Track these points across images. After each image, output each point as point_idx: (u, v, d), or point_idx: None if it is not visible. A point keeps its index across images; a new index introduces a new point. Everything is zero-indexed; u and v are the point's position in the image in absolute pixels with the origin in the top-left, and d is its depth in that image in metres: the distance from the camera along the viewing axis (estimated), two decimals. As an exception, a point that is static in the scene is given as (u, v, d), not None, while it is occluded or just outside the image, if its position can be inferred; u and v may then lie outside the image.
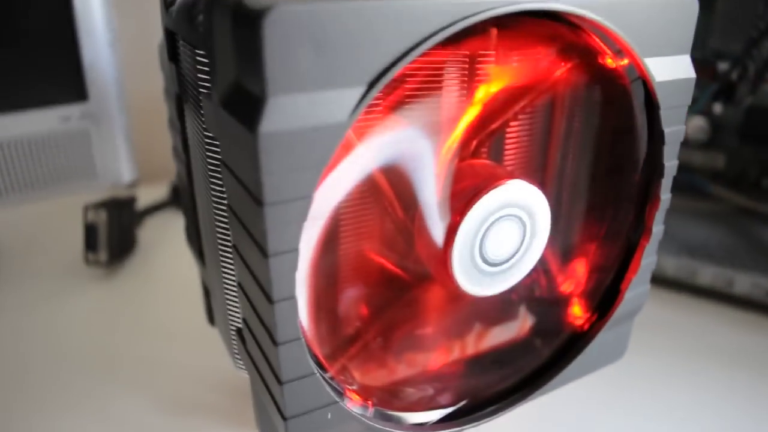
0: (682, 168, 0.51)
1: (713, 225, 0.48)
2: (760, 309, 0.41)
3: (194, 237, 0.29)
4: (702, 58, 0.48)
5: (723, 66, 0.47)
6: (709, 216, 0.50)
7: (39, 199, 0.42)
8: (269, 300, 0.17)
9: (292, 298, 0.18)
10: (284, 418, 0.19)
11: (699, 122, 0.51)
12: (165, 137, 0.39)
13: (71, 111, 0.41)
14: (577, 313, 0.28)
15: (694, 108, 0.47)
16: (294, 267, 0.17)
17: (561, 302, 0.27)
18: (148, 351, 0.36)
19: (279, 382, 0.19)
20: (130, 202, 0.47)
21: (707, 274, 0.42)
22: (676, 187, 0.52)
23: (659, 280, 0.44)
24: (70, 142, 0.42)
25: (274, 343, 0.18)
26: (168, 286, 0.43)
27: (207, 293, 0.30)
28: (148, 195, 0.54)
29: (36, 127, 0.40)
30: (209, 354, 0.35)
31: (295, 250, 0.17)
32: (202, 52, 0.20)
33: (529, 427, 0.31)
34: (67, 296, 0.42)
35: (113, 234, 0.43)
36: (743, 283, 0.41)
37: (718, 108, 0.50)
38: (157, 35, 0.29)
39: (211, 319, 0.30)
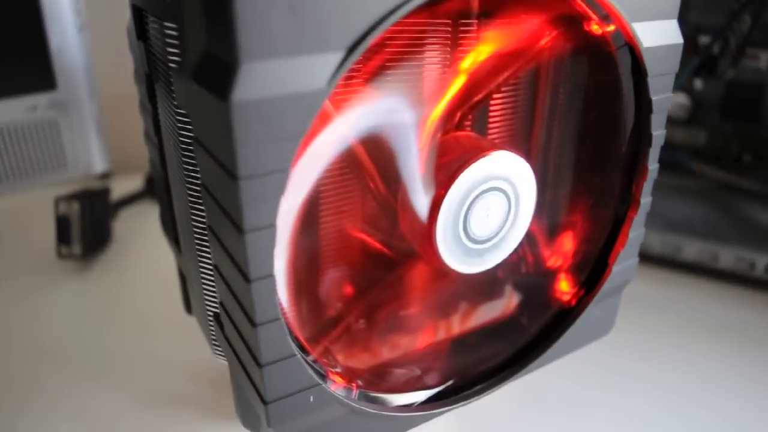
0: (664, 145, 0.51)
1: (696, 201, 0.48)
2: (744, 282, 0.41)
3: (169, 224, 0.28)
4: (682, 32, 0.48)
5: (704, 40, 0.46)
6: (692, 192, 0.50)
7: (7, 192, 0.41)
8: (246, 279, 0.16)
9: (270, 277, 0.17)
10: (264, 403, 0.18)
11: (680, 99, 0.51)
12: (138, 128, 0.38)
13: (38, 100, 0.39)
14: (565, 288, 0.27)
15: (677, 83, 0.46)
16: (271, 244, 0.16)
17: (548, 278, 0.27)
18: (125, 344, 0.35)
19: (258, 365, 0.18)
20: (103, 193, 0.46)
21: (692, 249, 0.42)
22: (659, 164, 0.52)
23: (645, 257, 0.44)
24: (39, 132, 0.40)
25: (253, 324, 0.17)
26: (144, 279, 0.42)
27: (183, 281, 0.29)
28: (122, 187, 0.52)
29: (1, 118, 0.39)
30: (187, 345, 0.34)
31: (272, 226, 0.16)
32: (171, 25, 0.19)
33: (515, 405, 0.30)
34: (40, 291, 0.41)
35: (86, 226, 0.42)
36: (727, 257, 0.41)
37: (699, 84, 0.50)
38: (126, 21, 0.27)
39: (188, 307, 0.29)
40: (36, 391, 0.32)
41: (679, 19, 0.47)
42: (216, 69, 0.15)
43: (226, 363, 0.24)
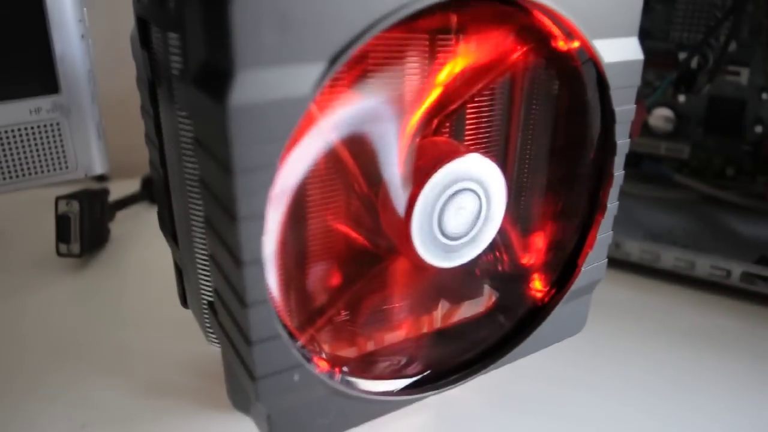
0: (648, 157, 0.53)
1: (678, 212, 0.50)
2: (720, 290, 0.43)
3: (167, 221, 0.30)
4: (664, 48, 0.50)
5: (684, 56, 0.48)
6: (674, 204, 0.52)
7: (9, 190, 0.42)
8: (238, 263, 0.18)
9: (259, 262, 0.19)
10: (253, 379, 0.20)
11: (664, 113, 0.53)
12: (135, 133, 0.40)
13: (42, 103, 0.41)
14: (538, 286, 0.29)
15: (655, 96, 0.48)
16: (261, 232, 0.18)
17: (522, 276, 0.29)
18: (122, 339, 0.37)
19: (248, 343, 0.20)
20: (102, 194, 0.48)
21: (669, 257, 0.44)
22: (643, 176, 0.54)
23: (624, 264, 0.46)
24: (41, 134, 0.42)
25: (244, 304, 0.19)
26: (140, 277, 0.44)
27: (180, 274, 0.30)
28: (119, 190, 0.54)
29: (5, 119, 0.41)
30: (182, 340, 0.36)
31: (261, 216, 0.18)
32: (173, 35, 0.21)
33: (495, 403, 0.32)
34: (39, 287, 0.42)
35: (85, 225, 0.44)
36: (704, 265, 0.43)
37: (682, 99, 0.52)
38: (128, 29, 0.29)
39: (184, 300, 0.31)
40: (36, 382, 0.33)
41: (661, 35, 0.49)
42: (214, 76, 0.17)
43: (218, 354, 0.26)
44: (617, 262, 0.46)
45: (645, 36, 0.51)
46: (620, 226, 0.47)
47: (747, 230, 0.47)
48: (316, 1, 0.17)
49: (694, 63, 0.48)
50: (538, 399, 0.32)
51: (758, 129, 0.49)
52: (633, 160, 0.55)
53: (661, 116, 0.53)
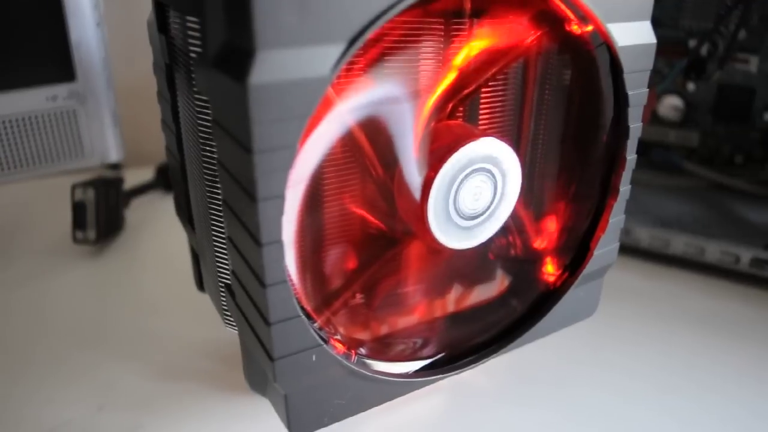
0: (658, 145, 0.53)
1: (687, 199, 0.50)
2: (729, 275, 0.43)
3: (184, 205, 0.30)
4: (675, 36, 0.50)
5: (694, 44, 0.48)
6: (684, 191, 0.52)
7: (27, 178, 0.43)
8: (258, 243, 0.19)
9: (279, 242, 0.19)
10: (271, 359, 0.21)
11: (673, 101, 0.53)
12: (149, 122, 0.40)
13: (58, 90, 0.42)
14: (550, 270, 0.29)
15: (665, 83, 0.48)
16: (280, 212, 0.18)
17: (535, 260, 0.29)
18: (137, 323, 0.37)
19: (267, 323, 0.20)
20: (117, 182, 0.48)
21: (679, 243, 0.44)
22: (653, 164, 0.53)
23: (634, 251, 0.46)
24: (58, 121, 0.42)
25: (263, 285, 0.19)
26: (154, 263, 0.44)
27: (196, 259, 0.31)
28: (133, 178, 0.55)
29: (23, 107, 0.41)
30: (197, 324, 0.36)
31: (281, 197, 0.18)
32: (193, 18, 0.21)
33: (507, 386, 0.32)
34: (56, 273, 0.43)
35: (101, 212, 0.44)
36: (713, 251, 0.43)
37: (691, 87, 0.52)
38: (142, 17, 0.30)
39: (200, 284, 0.32)
40: (55, 365, 0.34)
41: (671, 23, 0.49)
42: (235, 56, 0.17)
43: (234, 337, 0.26)
44: (627, 249, 0.46)
45: (655, 24, 0.51)
46: (630, 213, 0.46)
47: (756, 217, 0.47)
48: (335, -18, 0.17)
49: (704, 51, 0.48)
50: (549, 381, 0.33)
51: (767, 116, 0.49)
52: (642, 148, 0.55)
53: (670, 105, 0.53)
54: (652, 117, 0.53)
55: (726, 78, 0.50)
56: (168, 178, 0.53)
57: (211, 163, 0.23)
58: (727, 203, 0.50)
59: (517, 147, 0.26)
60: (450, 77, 0.23)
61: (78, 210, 0.44)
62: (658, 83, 0.49)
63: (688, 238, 0.44)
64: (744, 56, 0.49)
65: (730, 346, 0.36)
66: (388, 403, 0.30)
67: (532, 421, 0.30)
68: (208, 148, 0.23)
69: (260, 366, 0.23)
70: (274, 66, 0.17)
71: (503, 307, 0.29)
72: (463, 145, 0.22)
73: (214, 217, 0.25)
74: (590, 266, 0.29)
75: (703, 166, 0.52)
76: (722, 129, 0.51)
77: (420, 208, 0.23)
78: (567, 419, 0.30)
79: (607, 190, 0.28)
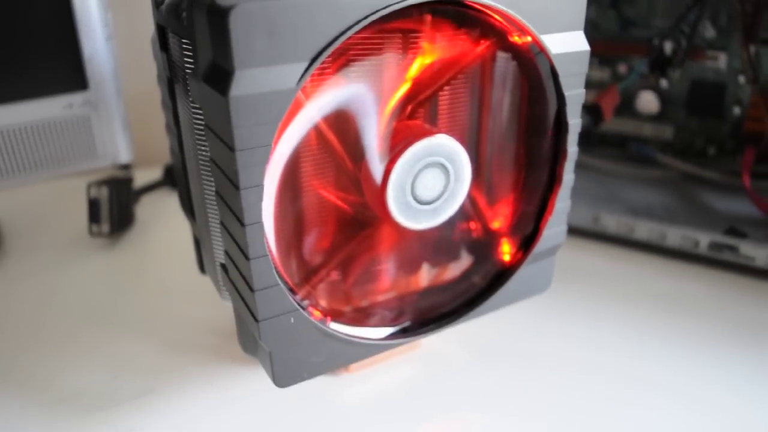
0: (634, 138, 0.56)
1: (659, 190, 0.54)
2: (689, 258, 0.47)
3: (186, 198, 0.34)
4: (647, 35, 0.53)
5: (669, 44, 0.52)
6: (657, 182, 0.55)
7: (46, 178, 0.48)
8: (242, 224, 0.23)
9: (259, 223, 0.23)
10: (257, 320, 0.25)
11: (648, 96, 0.56)
12: (156, 126, 0.44)
13: (74, 99, 0.46)
14: (506, 249, 0.33)
15: (626, 82, 0.52)
16: (260, 198, 0.23)
17: (492, 240, 0.33)
18: (147, 305, 0.42)
19: (252, 290, 0.24)
20: (128, 181, 0.53)
21: (643, 229, 0.48)
22: (629, 157, 0.57)
23: (602, 236, 0.50)
24: (73, 126, 0.47)
25: (247, 258, 0.23)
26: (162, 253, 0.49)
27: (197, 245, 0.35)
28: (143, 177, 0.59)
29: (43, 114, 0.46)
30: (198, 305, 0.41)
31: (260, 186, 0.23)
32: (186, 41, 0.26)
33: (480, 357, 0.36)
34: (74, 263, 0.47)
35: (114, 208, 0.49)
36: (674, 236, 0.46)
37: (664, 83, 0.55)
38: (147, 32, 0.34)
39: (202, 266, 0.36)
40: (74, 340, 0.38)
41: (644, 23, 0.52)
42: (219, 74, 0.22)
43: (230, 315, 0.31)
44: (596, 235, 0.50)
45: (629, 24, 0.54)
46: (603, 202, 0.51)
47: (722, 205, 0.50)
48: (296, 15, 0.21)
49: (669, 49, 0.52)
50: (517, 353, 0.37)
51: (737, 110, 0.52)
52: (619, 141, 0.59)
53: (645, 100, 0.56)
54: (628, 111, 0.56)
55: (698, 74, 0.53)
56: (174, 178, 0.58)
57: (206, 160, 0.28)
58: (696, 193, 0.53)
59: (472, 142, 0.31)
60: (407, 84, 0.28)
61: (93, 206, 0.48)
62: (620, 81, 0.53)
63: (652, 225, 0.47)
64: (713, 53, 0.52)
65: (688, 323, 0.39)
66: (366, 371, 0.34)
67: (499, 387, 0.34)
68: (202, 147, 0.27)
69: (250, 330, 0.27)
70: (250, 82, 0.21)
71: (465, 282, 0.33)
72: (417, 141, 0.27)
73: (210, 207, 0.29)
74: (540, 245, 0.33)
75: (677, 157, 0.56)
76: (695, 122, 0.54)
77: (381, 193, 0.27)
78: (531, 386, 0.34)
79: (553, 179, 0.32)
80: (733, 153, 0.54)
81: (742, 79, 0.51)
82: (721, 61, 0.52)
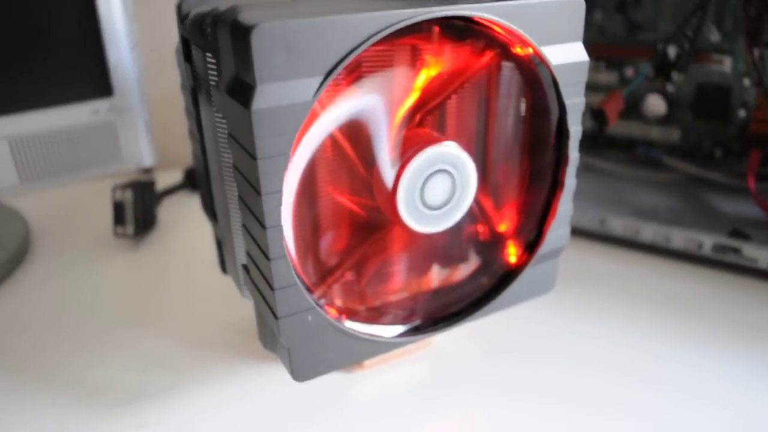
0: (642, 142, 0.58)
1: (666, 192, 0.55)
2: (693, 260, 0.48)
3: (208, 201, 0.36)
4: (654, 40, 0.54)
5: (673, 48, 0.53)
6: (664, 185, 0.56)
7: (74, 181, 0.50)
8: (263, 227, 0.25)
9: (279, 226, 0.25)
10: (276, 318, 0.27)
11: (655, 100, 0.57)
12: (177, 131, 0.46)
13: (99, 105, 0.48)
14: (512, 251, 0.35)
15: (630, 88, 0.53)
16: (279, 203, 0.25)
17: (499, 243, 0.35)
18: (170, 303, 0.44)
19: (272, 289, 0.26)
20: (150, 184, 0.55)
21: (648, 231, 0.49)
22: (637, 160, 0.58)
23: (608, 238, 0.51)
24: (99, 132, 0.49)
25: (268, 258, 0.25)
26: (184, 253, 0.51)
27: (219, 246, 0.37)
28: (163, 180, 0.61)
29: (70, 120, 0.48)
30: (219, 305, 0.43)
31: (279, 191, 0.24)
32: (210, 55, 0.27)
33: (486, 353, 0.38)
34: (100, 263, 0.50)
35: (138, 210, 0.51)
36: (678, 238, 0.48)
37: (671, 87, 0.56)
38: (168, 39, 0.36)
39: (223, 267, 0.38)
40: (100, 337, 0.40)
41: (651, 27, 0.53)
42: (241, 88, 0.23)
43: (251, 314, 0.32)
44: (603, 237, 0.51)
45: (636, 28, 0.55)
46: (610, 205, 0.52)
47: (727, 207, 0.51)
48: (312, 33, 0.23)
49: (673, 53, 0.53)
50: (524, 350, 0.38)
51: (742, 113, 0.53)
52: (627, 144, 0.60)
53: (652, 103, 0.57)
54: (635, 114, 0.58)
55: (704, 77, 0.54)
56: (194, 180, 0.60)
57: (229, 166, 0.30)
58: (702, 195, 0.54)
59: (479, 149, 0.32)
60: (416, 94, 0.29)
61: (118, 209, 0.50)
62: (626, 86, 0.54)
63: (657, 227, 0.48)
64: (718, 57, 0.53)
65: (692, 322, 0.40)
66: (379, 367, 0.36)
67: (506, 381, 0.36)
68: (226, 155, 0.29)
69: (270, 327, 0.29)
70: (270, 95, 0.23)
71: (473, 283, 0.35)
72: (426, 148, 0.28)
73: (232, 210, 0.31)
74: (544, 248, 0.34)
75: (684, 160, 0.57)
76: (702, 125, 0.56)
77: (392, 199, 0.29)
78: (538, 383, 0.36)
79: (555, 184, 0.33)
80: (739, 155, 0.55)
81: (747, 81, 0.52)
82: (727, 64, 0.53)
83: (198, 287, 0.45)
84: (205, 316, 0.42)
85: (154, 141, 0.53)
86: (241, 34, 0.22)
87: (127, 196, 0.50)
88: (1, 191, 0.47)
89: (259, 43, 0.22)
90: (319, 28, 0.23)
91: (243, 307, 0.40)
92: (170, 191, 0.60)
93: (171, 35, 0.34)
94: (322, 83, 0.24)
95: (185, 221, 0.56)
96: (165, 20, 0.51)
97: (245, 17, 0.23)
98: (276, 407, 0.34)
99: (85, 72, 0.48)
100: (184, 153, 0.55)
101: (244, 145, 0.24)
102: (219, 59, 0.26)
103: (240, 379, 0.36)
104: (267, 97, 0.23)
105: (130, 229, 0.51)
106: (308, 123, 0.26)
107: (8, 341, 0.40)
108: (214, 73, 0.28)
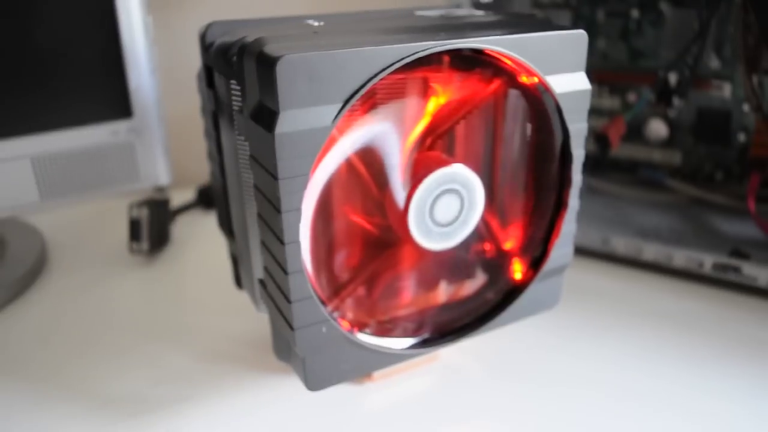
0: (644, 164, 0.59)
1: (668, 213, 0.56)
2: (694, 278, 0.49)
3: (225, 219, 0.38)
4: (656, 67, 0.56)
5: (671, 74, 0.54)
6: (666, 206, 0.57)
7: (93, 198, 0.52)
8: (282, 243, 0.26)
9: (297, 242, 0.26)
10: (292, 329, 0.28)
11: (657, 124, 0.59)
12: (190, 149, 0.48)
13: (119, 126, 0.50)
14: (517, 268, 0.36)
15: (631, 113, 0.55)
16: (298, 221, 0.26)
17: (505, 260, 0.36)
18: (185, 318, 0.45)
19: (289, 302, 0.27)
20: (165, 202, 0.57)
21: (651, 251, 0.50)
22: (639, 182, 0.60)
23: (612, 257, 0.52)
24: (119, 151, 0.51)
25: (285, 273, 0.27)
26: (198, 269, 0.52)
27: (235, 262, 0.39)
28: (176, 198, 0.63)
29: (91, 140, 0.50)
30: (232, 318, 0.44)
31: (299, 209, 0.26)
32: (234, 82, 0.29)
33: (490, 370, 0.39)
34: (116, 278, 0.51)
35: (153, 227, 0.53)
36: (680, 257, 0.49)
37: (673, 111, 0.58)
38: (189, 66, 0.37)
39: (239, 282, 0.39)
40: (116, 351, 0.41)
41: (652, 54, 0.55)
42: (265, 114, 0.25)
43: (264, 328, 0.34)
44: (605, 256, 0.52)
45: (638, 55, 0.57)
46: (613, 225, 0.53)
47: (728, 228, 0.53)
48: (332, 64, 0.25)
49: (674, 80, 0.54)
50: (529, 367, 0.39)
51: (742, 137, 0.55)
52: (630, 166, 0.61)
53: (655, 127, 0.59)
54: (638, 138, 0.59)
55: (704, 102, 0.56)
56: (207, 198, 0.61)
57: (248, 185, 0.31)
58: (703, 216, 0.55)
59: (486, 170, 0.34)
60: (426, 120, 0.31)
61: (134, 226, 0.52)
62: (628, 111, 0.55)
63: (659, 246, 0.50)
64: (718, 83, 0.55)
65: (693, 340, 0.41)
66: (388, 379, 0.37)
67: (511, 396, 0.37)
68: (246, 175, 0.31)
69: (285, 338, 0.31)
70: (292, 121, 0.24)
71: (480, 298, 0.36)
72: (435, 170, 0.30)
73: (250, 227, 0.33)
74: (548, 265, 0.35)
75: (685, 182, 0.58)
76: (703, 148, 0.57)
77: (403, 217, 0.30)
78: (540, 399, 0.37)
79: (560, 204, 0.35)
80: (740, 178, 0.56)
81: (746, 107, 0.54)
82: (726, 90, 0.55)
83: (211, 302, 0.47)
84: (217, 331, 0.43)
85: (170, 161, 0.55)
86: (267, 64, 0.24)
87: (143, 213, 0.52)
88: (22, 208, 0.49)
89: (283, 73, 0.24)
90: (338, 60, 0.25)
91: (254, 321, 0.42)
92: (184, 209, 0.62)
93: (190, 60, 0.36)
94: (340, 110, 0.25)
95: (198, 238, 0.58)
96: (184, 47, 0.53)
97: (271, 49, 0.24)
98: (287, 419, 0.35)
99: (106, 94, 0.50)
100: (195, 172, 0.57)
101: (266, 166, 0.26)
102: (244, 86, 0.27)
103: (252, 392, 0.37)
104: (289, 122, 0.24)
105: (145, 245, 0.52)
106: (327, 147, 0.27)
107: (24, 354, 0.42)
108: (238, 98, 0.29)
